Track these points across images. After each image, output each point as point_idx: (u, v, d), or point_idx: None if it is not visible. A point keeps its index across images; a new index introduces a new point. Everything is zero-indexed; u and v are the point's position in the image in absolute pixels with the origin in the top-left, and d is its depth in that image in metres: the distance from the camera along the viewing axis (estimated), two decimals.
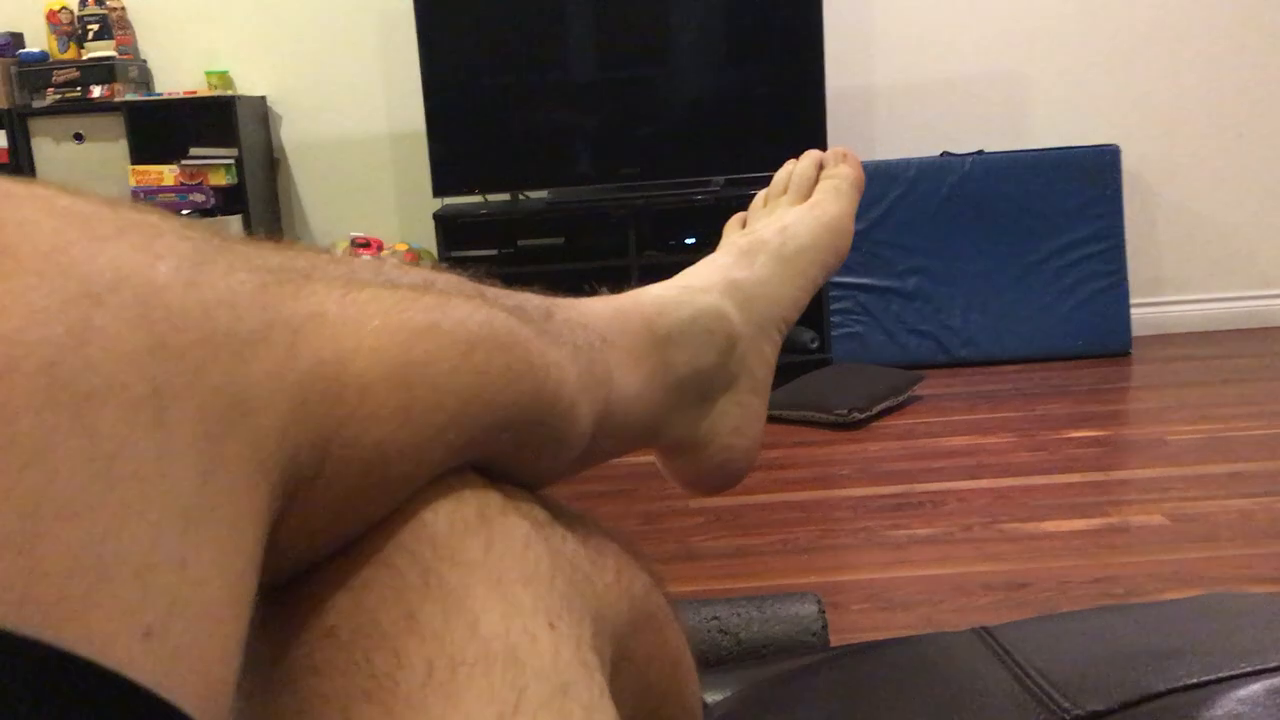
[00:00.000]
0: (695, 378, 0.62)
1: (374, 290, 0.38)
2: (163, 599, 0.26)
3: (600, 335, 0.52)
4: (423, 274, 0.42)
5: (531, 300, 0.49)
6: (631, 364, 0.55)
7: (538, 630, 0.36)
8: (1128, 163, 3.33)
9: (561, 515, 0.47)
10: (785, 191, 0.82)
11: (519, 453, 0.44)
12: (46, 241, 0.28)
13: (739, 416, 0.67)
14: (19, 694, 0.22)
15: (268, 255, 0.36)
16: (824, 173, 0.82)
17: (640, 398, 0.56)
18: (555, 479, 0.48)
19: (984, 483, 2.25)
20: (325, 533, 0.36)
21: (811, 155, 0.84)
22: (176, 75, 3.60)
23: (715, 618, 0.90)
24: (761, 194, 0.85)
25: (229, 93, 3.50)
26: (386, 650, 0.34)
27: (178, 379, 0.28)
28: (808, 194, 0.81)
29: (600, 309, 0.56)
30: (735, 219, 0.84)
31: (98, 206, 0.31)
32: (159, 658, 0.25)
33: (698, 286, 0.66)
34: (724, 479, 0.69)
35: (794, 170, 0.83)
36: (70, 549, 0.24)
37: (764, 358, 0.69)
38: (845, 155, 0.83)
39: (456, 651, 0.34)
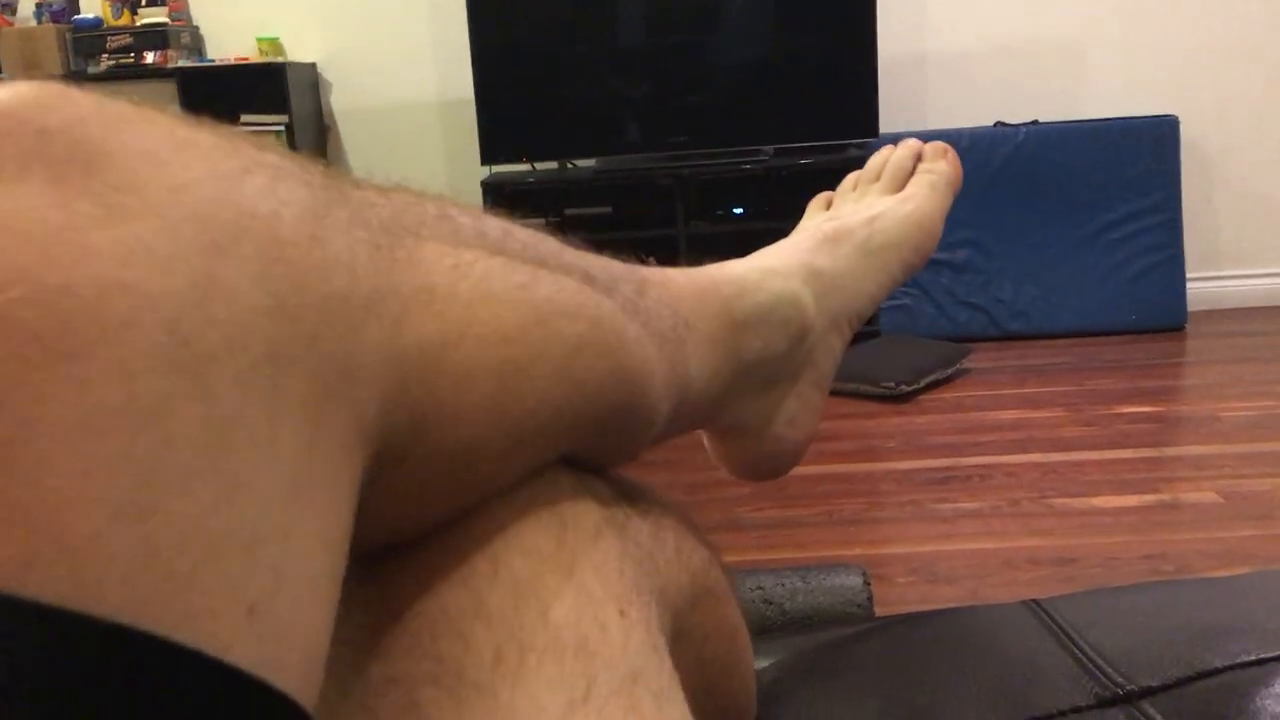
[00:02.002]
0: (762, 365, 0.60)
1: (483, 261, 0.37)
2: (268, 574, 0.25)
3: (684, 319, 0.51)
4: (524, 235, 0.41)
5: (624, 273, 0.47)
6: (707, 349, 0.53)
7: (608, 618, 0.36)
8: (1186, 134, 3.26)
9: (626, 491, 0.46)
10: (878, 178, 0.78)
11: (596, 446, 0.44)
12: (171, 178, 0.27)
13: (797, 409, 0.65)
14: (112, 681, 0.22)
15: (379, 206, 0.35)
16: (921, 166, 0.78)
17: (709, 383, 0.54)
18: (620, 464, 0.48)
19: (1032, 457, 2.23)
20: (401, 520, 0.36)
21: (910, 145, 0.79)
22: (228, 42, 3.62)
23: (760, 588, 0.89)
24: (852, 176, 0.80)
25: (280, 59, 3.52)
26: (453, 636, 0.34)
27: (293, 343, 0.27)
28: (901, 185, 0.76)
29: (684, 286, 0.54)
30: (820, 198, 0.80)
31: (219, 140, 0.30)
32: (261, 635, 0.25)
33: (779, 270, 0.63)
34: (770, 469, 0.67)
35: (890, 158, 0.79)
36: (182, 522, 0.24)
37: (831, 352, 0.67)
38: (946, 151, 0.78)
39: (526, 638, 0.34)
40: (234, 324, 0.26)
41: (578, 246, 0.45)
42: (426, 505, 0.36)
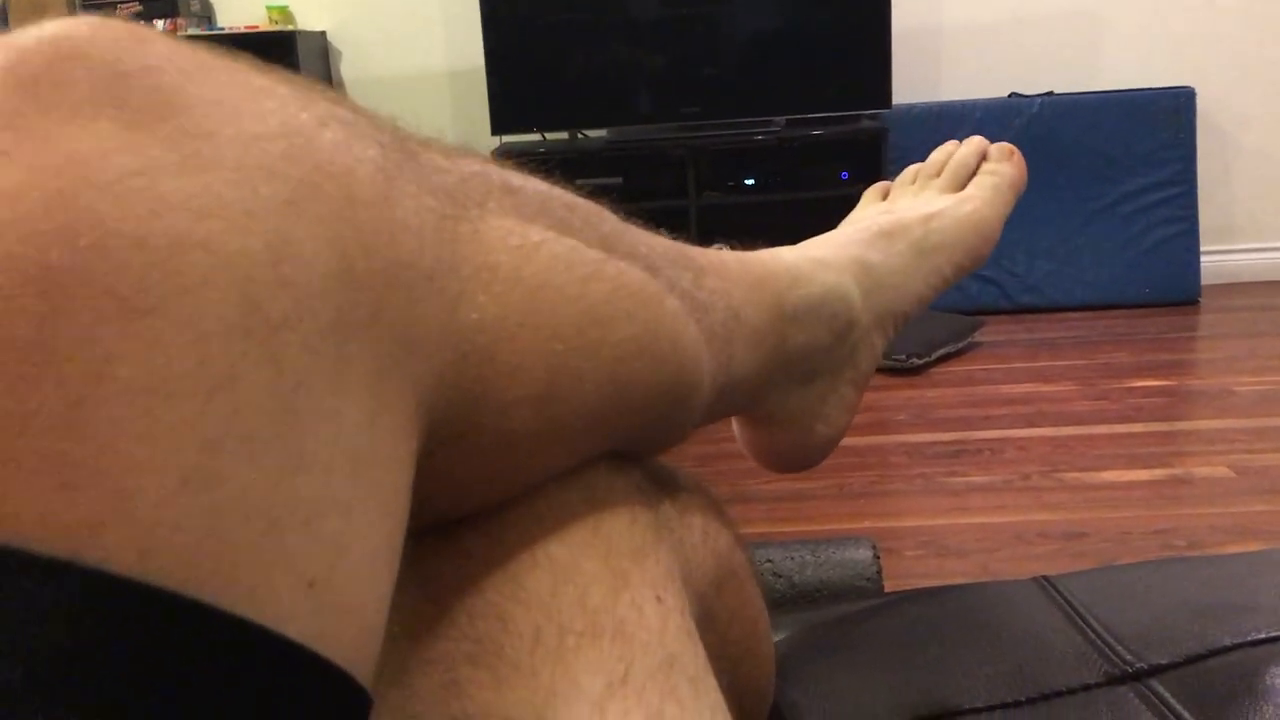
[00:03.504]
0: (805, 358, 0.59)
1: (549, 244, 0.36)
2: (329, 548, 0.25)
3: (734, 310, 0.50)
4: (586, 210, 0.40)
5: (681, 259, 0.46)
6: (753, 341, 0.52)
7: (645, 603, 0.36)
8: (1202, 106, 3.23)
9: (656, 474, 0.46)
10: (939, 174, 0.75)
11: (635, 441, 0.44)
12: (247, 128, 0.26)
13: (833, 404, 0.64)
14: (175, 653, 0.22)
15: (446, 172, 0.34)
16: (984, 166, 0.75)
17: (751, 376, 0.53)
18: (656, 455, 0.48)
19: (1044, 431, 2.22)
20: (442, 501, 0.35)
21: (975, 143, 0.76)
22: (237, 9, 3.61)
23: (769, 561, 0.89)
24: (912, 169, 0.77)
25: (289, 28, 3.51)
26: (492, 617, 0.34)
27: (360, 310, 0.27)
28: (963, 183, 0.74)
29: (738, 275, 0.52)
30: (877, 188, 0.78)
31: (294, 89, 0.29)
32: (319, 609, 0.25)
33: (830, 263, 0.61)
34: (798, 462, 0.66)
35: (954, 154, 0.76)
36: (247, 493, 0.23)
37: (873, 350, 0.65)
38: (1012, 153, 0.76)
39: (565, 620, 0.34)
40: (305, 288, 0.25)
41: (634, 223, 0.44)
42: (468, 489, 0.36)
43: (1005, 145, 0.76)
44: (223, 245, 0.24)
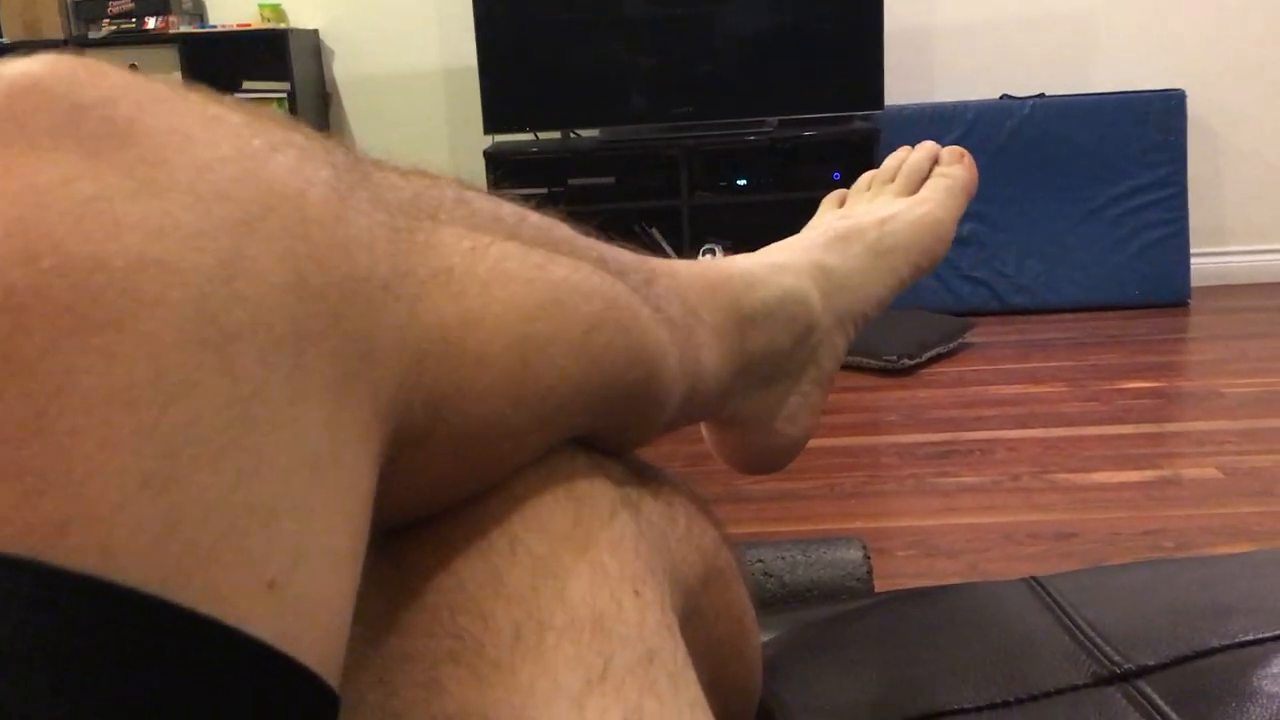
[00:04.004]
0: (766, 360, 0.60)
1: (499, 244, 0.37)
2: (288, 549, 0.26)
3: (692, 309, 0.51)
4: (538, 221, 0.41)
5: (634, 262, 0.47)
6: (714, 341, 0.53)
7: (624, 597, 0.36)
8: (1193, 108, 3.24)
9: (639, 471, 0.47)
10: (893, 179, 0.77)
11: (611, 427, 0.44)
12: (201, 155, 0.27)
13: (797, 405, 0.65)
14: (135, 648, 0.22)
15: (399, 189, 0.35)
16: (937, 169, 0.77)
17: (715, 375, 0.54)
18: (634, 448, 0.48)
19: (1034, 432, 2.23)
20: (421, 498, 0.36)
21: (927, 147, 0.79)
22: (230, 8, 3.60)
23: (760, 560, 0.89)
24: (867, 176, 0.79)
25: (282, 26, 3.50)
26: (473, 613, 0.34)
27: (316, 321, 0.28)
28: (916, 187, 0.76)
29: (691, 278, 0.54)
30: (833, 196, 0.80)
31: (247, 118, 0.30)
32: (281, 610, 0.25)
33: (788, 266, 0.63)
34: (766, 463, 0.67)
35: (906, 160, 0.78)
36: (205, 495, 0.24)
37: (835, 351, 0.66)
38: (962, 156, 0.78)
39: (545, 616, 0.34)
40: (259, 302, 0.26)
41: (589, 234, 0.45)
42: (445, 484, 0.36)
43: (956, 149, 0.79)
44: (178, 262, 0.25)
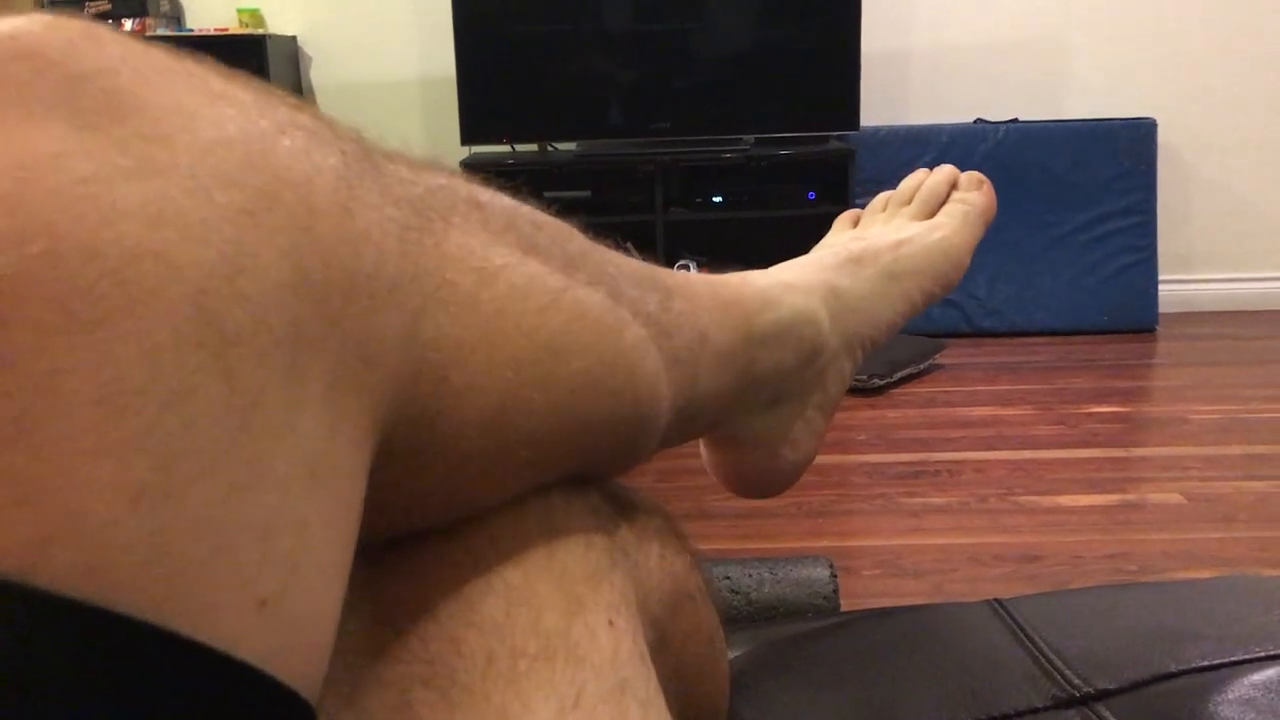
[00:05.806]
0: (772, 381, 0.59)
1: (510, 270, 0.35)
2: (281, 566, 0.25)
3: (701, 333, 0.50)
4: (553, 229, 0.40)
5: (649, 280, 0.46)
6: (718, 364, 0.52)
7: (598, 627, 0.36)
8: (1164, 136, 3.28)
9: (614, 495, 0.46)
10: (909, 201, 0.75)
11: (591, 468, 0.44)
12: (204, 134, 0.25)
13: (800, 429, 0.63)
14: (121, 674, 0.21)
15: (410, 184, 0.33)
16: (954, 194, 0.75)
17: (716, 396, 0.53)
18: (613, 478, 0.48)
19: (1001, 454, 2.24)
20: (394, 518, 0.35)
21: (946, 171, 0.76)
22: (208, 11, 3.58)
23: (727, 577, 0.90)
24: (883, 196, 0.77)
25: (260, 31, 3.49)
26: (444, 639, 0.33)
27: (317, 322, 0.26)
28: (933, 211, 0.74)
29: (707, 298, 0.52)
30: (848, 215, 0.78)
31: (254, 95, 0.28)
32: (270, 629, 0.24)
33: (799, 286, 0.61)
34: (764, 487, 0.66)
35: (925, 182, 0.76)
36: (199, 510, 0.23)
37: (841, 375, 0.65)
38: (982, 182, 0.76)
39: (518, 644, 0.34)
40: (260, 301, 0.25)
41: (604, 242, 0.44)
42: (420, 505, 0.36)
43: (975, 174, 0.76)
44: (177, 256, 0.23)
